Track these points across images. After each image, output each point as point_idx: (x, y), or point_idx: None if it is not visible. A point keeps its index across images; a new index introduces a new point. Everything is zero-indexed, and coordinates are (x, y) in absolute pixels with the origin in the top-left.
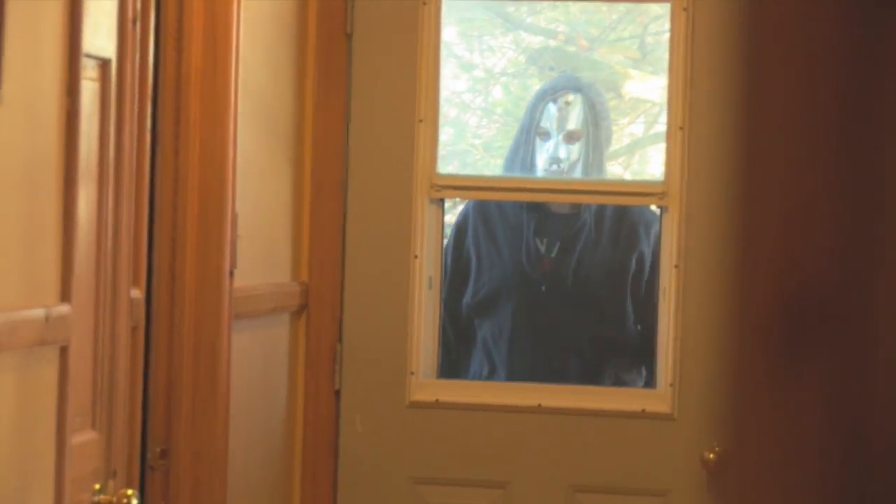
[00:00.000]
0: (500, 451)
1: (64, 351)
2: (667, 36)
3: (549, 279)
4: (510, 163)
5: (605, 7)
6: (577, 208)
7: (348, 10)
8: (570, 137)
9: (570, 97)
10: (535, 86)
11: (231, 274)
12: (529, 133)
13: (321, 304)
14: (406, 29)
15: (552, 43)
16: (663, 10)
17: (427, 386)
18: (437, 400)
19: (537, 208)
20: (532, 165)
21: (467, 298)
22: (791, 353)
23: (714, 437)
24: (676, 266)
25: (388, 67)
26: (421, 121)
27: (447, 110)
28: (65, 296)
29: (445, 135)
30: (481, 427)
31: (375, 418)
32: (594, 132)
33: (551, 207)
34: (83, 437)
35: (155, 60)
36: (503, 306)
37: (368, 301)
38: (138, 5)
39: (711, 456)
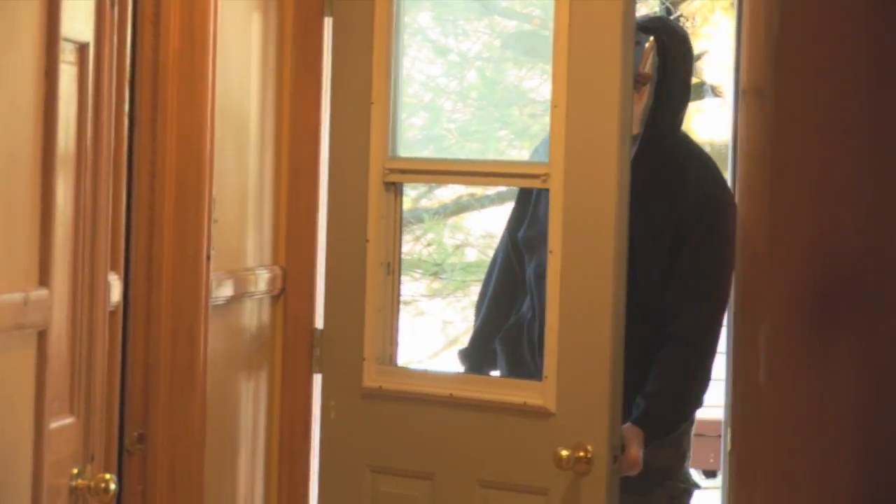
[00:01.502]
0: (428, 441)
1: (42, 335)
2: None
3: None
4: None
5: None
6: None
7: None
8: (635, 81)
9: (640, 37)
10: (510, 70)
11: (208, 258)
12: None
13: (298, 289)
14: (367, 10)
15: (527, 27)
16: None
17: (375, 373)
18: (380, 387)
19: None
20: None
21: (529, 270)
22: (821, 332)
23: (591, 434)
24: (551, 251)
25: (355, 50)
26: (373, 103)
27: (422, 94)
28: (43, 280)
29: (420, 119)
30: (413, 416)
31: (343, 405)
32: (664, 79)
33: None
34: (61, 422)
35: (132, 44)
36: (541, 275)
37: (341, 286)
38: None
39: (564, 454)
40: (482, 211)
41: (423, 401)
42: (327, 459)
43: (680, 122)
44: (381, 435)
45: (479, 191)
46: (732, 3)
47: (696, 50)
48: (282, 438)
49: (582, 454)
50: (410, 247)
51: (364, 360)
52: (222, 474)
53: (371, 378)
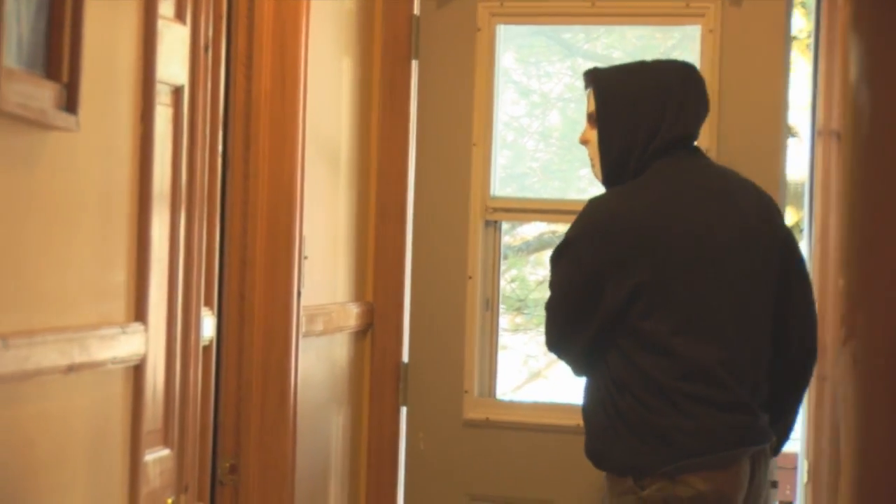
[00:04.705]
0: (545, 469)
1: (137, 369)
2: None
3: None
4: None
5: (659, 33)
6: None
7: (413, 36)
8: (591, 120)
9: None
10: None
11: (299, 294)
12: None
13: (386, 324)
14: (463, 54)
15: None
16: None
17: (480, 404)
18: (487, 418)
19: None
20: None
21: None
22: None
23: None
24: None
25: (448, 92)
26: (475, 144)
27: (506, 134)
28: (139, 315)
29: (504, 158)
30: (527, 445)
31: (436, 435)
32: (599, 109)
33: None
34: (157, 453)
35: (226, 86)
36: None
37: (431, 321)
38: (210, 33)
39: None
40: None
41: (536, 430)
42: (417, 489)
43: (627, 163)
44: (483, 464)
45: (560, 228)
46: (808, 45)
47: None
48: (370, 468)
49: None
50: None
51: (465, 392)
52: (312, 503)
53: (474, 410)
